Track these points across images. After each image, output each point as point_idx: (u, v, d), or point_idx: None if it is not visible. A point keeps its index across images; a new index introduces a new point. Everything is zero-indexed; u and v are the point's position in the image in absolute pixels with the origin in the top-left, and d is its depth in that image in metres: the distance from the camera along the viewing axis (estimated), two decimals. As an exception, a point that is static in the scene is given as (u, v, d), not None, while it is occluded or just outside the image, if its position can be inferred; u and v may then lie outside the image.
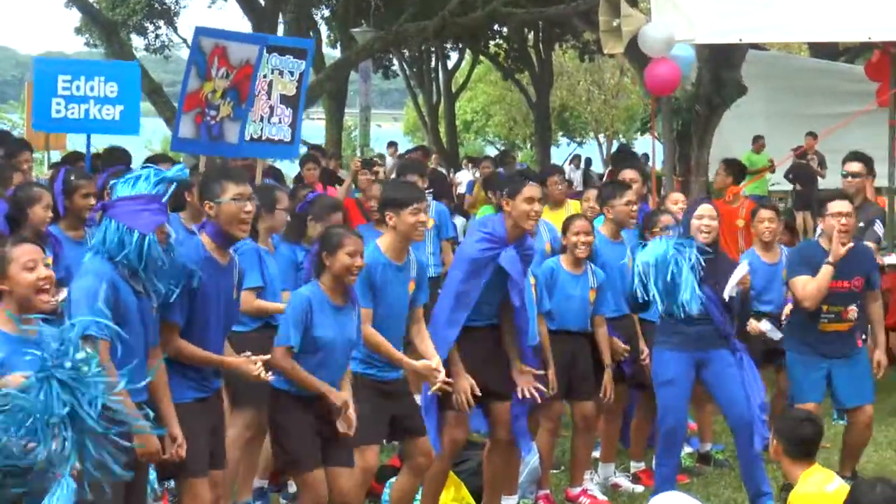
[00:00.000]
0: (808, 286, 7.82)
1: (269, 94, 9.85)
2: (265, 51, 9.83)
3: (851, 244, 7.82)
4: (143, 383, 5.06)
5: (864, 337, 8.27)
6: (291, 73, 10.10)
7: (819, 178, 20.50)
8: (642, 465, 8.62)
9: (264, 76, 9.77)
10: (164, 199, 5.36)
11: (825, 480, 5.90)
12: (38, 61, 10.36)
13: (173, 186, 5.41)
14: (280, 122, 10.00)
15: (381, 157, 24.20)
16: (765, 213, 9.02)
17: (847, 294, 7.90)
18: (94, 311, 5.05)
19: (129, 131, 10.16)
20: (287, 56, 10.12)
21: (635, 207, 8.45)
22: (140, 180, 5.37)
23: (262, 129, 9.83)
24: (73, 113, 9.50)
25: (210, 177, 6.03)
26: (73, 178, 7.24)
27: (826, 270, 7.77)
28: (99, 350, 4.90)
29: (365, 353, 6.57)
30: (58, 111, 9.52)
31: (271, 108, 9.92)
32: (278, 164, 13.90)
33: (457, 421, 7.02)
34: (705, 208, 7.69)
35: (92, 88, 9.56)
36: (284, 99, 10.02)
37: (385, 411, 6.63)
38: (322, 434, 6.26)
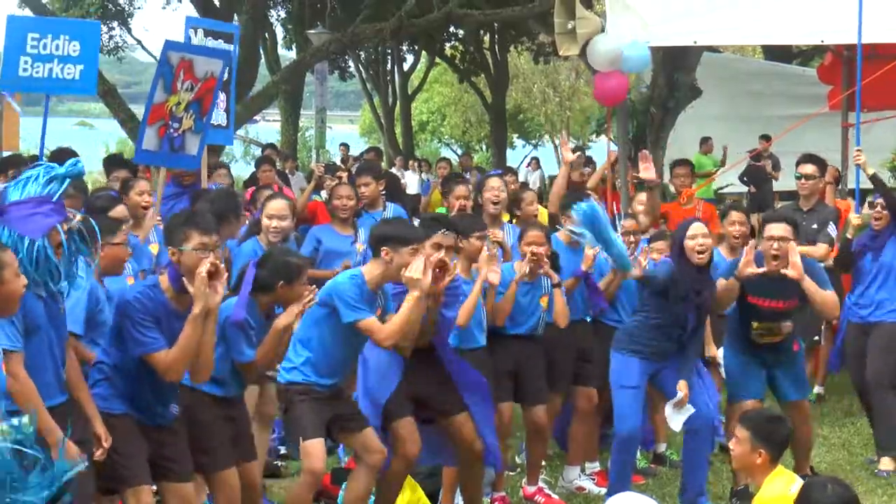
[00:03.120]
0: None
1: None
2: (202, 34, 9.86)
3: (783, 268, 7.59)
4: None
5: (801, 343, 8.30)
6: None
7: (773, 181, 20.66)
8: (597, 466, 8.63)
9: None
10: (55, 199, 5.22)
11: (789, 482, 5.91)
12: (11, 18, 10.27)
13: (66, 183, 5.29)
14: (217, 106, 9.99)
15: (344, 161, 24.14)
16: (735, 216, 8.93)
17: (781, 313, 7.84)
18: (4, 325, 5.03)
19: (87, 91, 10.12)
20: (219, 40, 10.14)
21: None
22: (30, 182, 5.23)
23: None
24: (38, 72, 9.45)
25: (176, 222, 5.94)
26: None
27: (730, 284, 7.63)
28: (12, 361, 4.98)
29: (299, 362, 6.64)
30: (24, 70, 9.46)
31: None
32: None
33: (404, 437, 7.02)
34: (698, 227, 7.50)
35: (57, 47, 9.47)
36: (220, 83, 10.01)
37: (324, 413, 6.67)
38: (231, 433, 6.38)
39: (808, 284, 7.60)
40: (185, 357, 5.72)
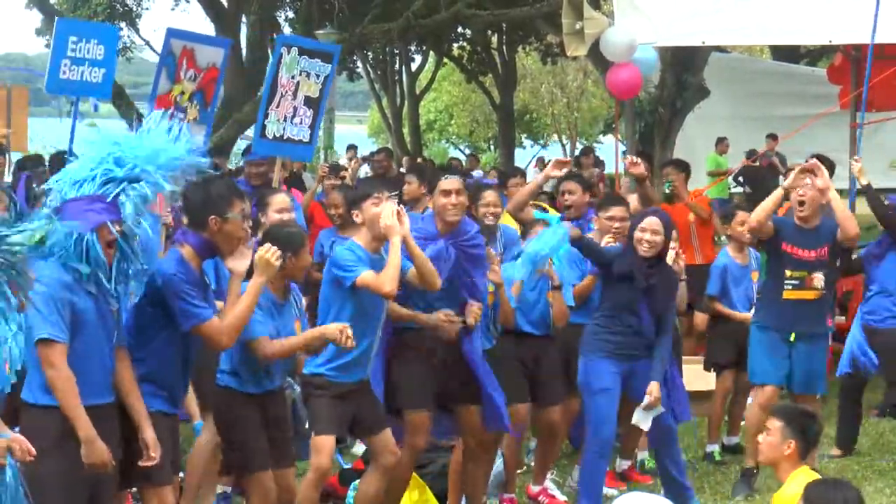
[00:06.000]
0: (756, 209, 7.97)
1: (294, 94, 9.90)
2: (296, 52, 9.91)
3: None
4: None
5: (833, 320, 8.34)
6: (317, 76, 10.15)
7: (780, 178, 20.63)
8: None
9: (292, 77, 9.83)
10: (109, 199, 5.25)
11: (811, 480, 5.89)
12: (59, 22, 10.43)
13: (122, 185, 5.28)
14: (301, 122, 10.06)
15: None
16: (742, 216, 9.04)
17: (813, 263, 7.89)
18: (50, 315, 5.05)
19: (105, 95, 10.30)
20: (315, 59, 10.20)
21: (618, 224, 8.11)
22: (87, 182, 5.28)
23: (284, 129, 9.88)
24: (73, 75, 9.55)
25: (216, 193, 5.82)
26: (34, 186, 7.37)
27: (776, 193, 7.89)
28: (55, 352, 5.03)
29: (325, 356, 6.59)
30: (64, 73, 9.58)
31: (295, 108, 9.97)
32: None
33: (416, 428, 7.02)
34: (651, 221, 7.47)
35: (89, 51, 9.61)
36: (308, 101, 10.07)
37: (344, 410, 6.65)
38: (268, 435, 6.31)
39: (834, 196, 7.89)
40: (242, 323, 5.75)
